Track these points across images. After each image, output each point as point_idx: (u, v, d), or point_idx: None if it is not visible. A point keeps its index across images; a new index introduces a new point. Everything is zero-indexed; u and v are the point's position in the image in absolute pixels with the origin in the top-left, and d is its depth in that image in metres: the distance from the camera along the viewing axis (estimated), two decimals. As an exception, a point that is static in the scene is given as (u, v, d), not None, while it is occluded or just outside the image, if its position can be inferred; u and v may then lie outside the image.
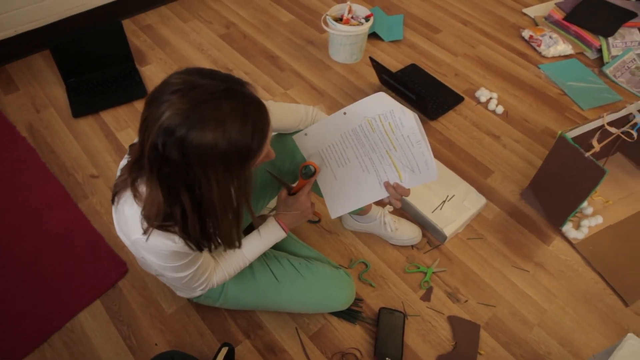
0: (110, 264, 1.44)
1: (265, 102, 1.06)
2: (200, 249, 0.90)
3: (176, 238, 0.86)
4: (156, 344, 1.29)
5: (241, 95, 0.77)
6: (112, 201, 0.91)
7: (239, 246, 0.94)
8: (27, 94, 1.95)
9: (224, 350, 1.21)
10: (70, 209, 1.57)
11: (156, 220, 0.82)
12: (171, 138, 0.72)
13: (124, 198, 0.88)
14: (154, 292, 1.39)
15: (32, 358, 1.26)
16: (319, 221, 1.20)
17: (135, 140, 0.94)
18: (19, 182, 1.63)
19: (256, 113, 0.78)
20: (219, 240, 0.90)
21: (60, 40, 1.87)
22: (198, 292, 1.17)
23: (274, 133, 1.23)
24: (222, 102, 0.74)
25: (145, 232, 0.84)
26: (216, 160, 0.75)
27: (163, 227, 0.84)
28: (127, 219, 0.88)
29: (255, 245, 1.10)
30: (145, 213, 0.83)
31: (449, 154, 1.82)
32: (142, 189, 0.84)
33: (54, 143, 1.78)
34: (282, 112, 1.13)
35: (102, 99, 1.93)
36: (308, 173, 1.08)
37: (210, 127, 0.72)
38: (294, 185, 1.12)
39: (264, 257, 1.23)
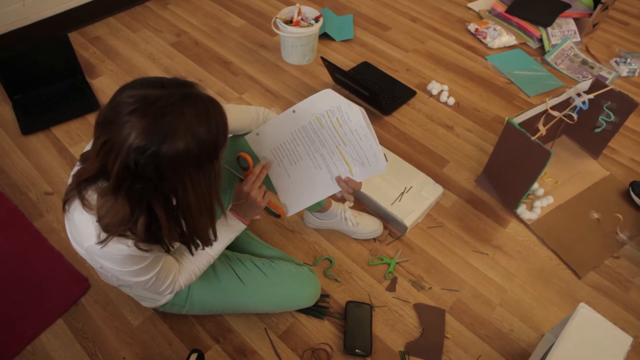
0: (71, 281, 1.40)
1: None
2: (168, 251, 0.91)
3: (129, 242, 0.85)
4: (124, 358, 1.27)
5: (198, 98, 0.78)
6: (63, 209, 0.89)
7: (215, 240, 0.96)
8: (-30, 114, 1.88)
9: (194, 356, 1.20)
10: (25, 229, 1.52)
11: (119, 229, 0.82)
12: (143, 156, 0.72)
13: (74, 205, 0.87)
14: (119, 305, 1.37)
15: (-7, 384, 1.22)
16: (279, 216, 1.21)
17: (87, 148, 0.93)
18: (-33, 205, 1.57)
19: (215, 109, 0.81)
20: (197, 241, 0.91)
21: (3, 56, 1.81)
22: (166, 297, 1.16)
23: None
24: (184, 109, 0.75)
25: (102, 241, 0.83)
26: (189, 164, 0.77)
27: (120, 233, 0.83)
28: (78, 226, 0.87)
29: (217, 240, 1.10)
30: (105, 223, 0.82)
31: (405, 147, 1.87)
32: (92, 197, 0.83)
33: (3, 162, 1.72)
34: (233, 114, 1.13)
35: (53, 114, 1.88)
36: (241, 164, 1.13)
37: (180, 135, 0.74)
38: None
39: (227, 260, 1.23)
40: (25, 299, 1.36)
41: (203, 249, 0.95)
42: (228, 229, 1.11)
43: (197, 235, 0.90)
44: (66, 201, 0.89)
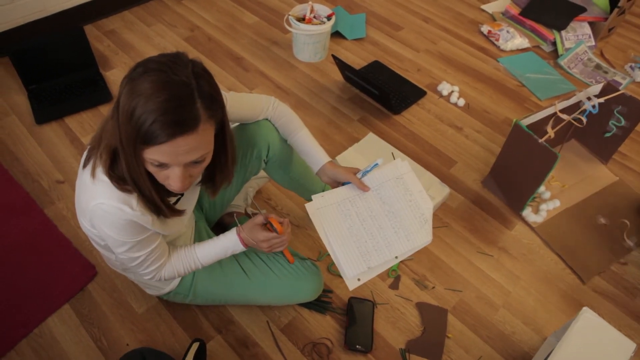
0: (79, 268, 1.43)
1: (226, 94, 1.09)
2: (158, 213, 0.93)
3: (134, 202, 0.87)
4: (127, 344, 1.29)
5: (193, 107, 0.78)
6: (84, 165, 0.92)
7: (165, 213, 0.95)
8: (-13, 102, 1.92)
9: (195, 345, 1.22)
10: (36, 215, 1.55)
11: (107, 154, 0.86)
12: (130, 72, 0.80)
13: (91, 163, 0.90)
14: (124, 293, 1.39)
15: (0, 366, 1.25)
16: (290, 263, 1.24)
17: None
18: (-19, 190, 1.61)
19: (182, 126, 0.78)
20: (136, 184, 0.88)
21: (20, 47, 1.85)
22: (169, 285, 1.19)
23: (235, 124, 1.24)
24: (177, 89, 0.77)
25: (91, 170, 0.87)
26: (126, 109, 0.78)
27: (120, 185, 0.86)
28: (87, 184, 0.89)
29: (210, 250, 1.11)
30: (101, 144, 0.88)
31: (413, 147, 1.87)
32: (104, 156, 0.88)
33: (17, 150, 1.75)
34: (243, 103, 1.14)
35: (66, 104, 1.91)
36: (273, 228, 1.10)
37: (150, 82, 0.76)
38: (267, 217, 1.11)
39: (232, 252, 1.24)
40: (34, 284, 1.39)
41: (159, 214, 0.94)
42: (227, 247, 1.11)
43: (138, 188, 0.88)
44: (88, 158, 0.91)
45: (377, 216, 1.15)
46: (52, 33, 1.92)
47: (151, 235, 0.97)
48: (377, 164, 1.15)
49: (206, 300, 1.27)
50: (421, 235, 1.15)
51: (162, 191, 0.91)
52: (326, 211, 1.13)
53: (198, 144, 0.81)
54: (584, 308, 1.17)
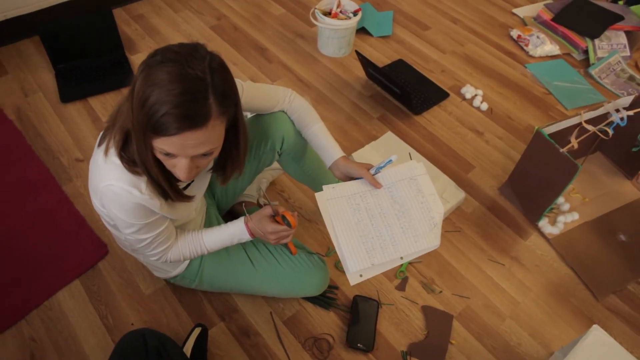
0: (91, 246, 1.46)
1: (243, 83, 1.09)
2: (165, 197, 0.94)
3: (143, 186, 0.88)
4: (132, 324, 1.31)
5: (205, 103, 0.79)
6: (99, 143, 0.94)
7: (175, 197, 0.96)
8: (16, 79, 1.97)
9: (197, 330, 1.23)
10: (54, 191, 1.59)
11: (121, 133, 0.88)
12: (148, 59, 0.81)
13: (105, 142, 0.91)
14: (133, 273, 1.41)
15: (9, 334, 1.28)
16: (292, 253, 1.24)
17: None
18: (4, 163, 1.65)
19: (192, 121, 0.79)
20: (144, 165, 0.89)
21: (50, 26, 1.89)
22: (177, 269, 1.20)
23: (252, 114, 1.25)
24: (192, 83, 0.78)
25: (106, 149, 0.89)
26: (140, 96, 0.78)
27: (130, 167, 0.88)
28: (99, 164, 0.90)
29: (217, 237, 1.12)
30: (116, 126, 0.89)
31: (431, 148, 1.85)
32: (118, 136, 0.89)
33: (40, 127, 1.79)
34: (259, 94, 1.14)
35: (91, 85, 1.95)
36: (284, 221, 1.10)
37: (166, 72, 0.77)
38: (276, 209, 1.11)
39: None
40: (47, 258, 1.42)
41: (167, 199, 0.95)
42: (233, 235, 1.11)
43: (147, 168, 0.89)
44: (104, 137, 0.93)
45: (386, 214, 1.14)
46: (82, 15, 1.95)
47: (159, 219, 0.98)
48: (391, 160, 1.14)
49: (212, 286, 1.28)
50: (429, 239, 1.14)
51: (171, 176, 0.92)
52: (336, 203, 1.13)
53: (207, 139, 0.82)
54: (594, 325, 1.14)
